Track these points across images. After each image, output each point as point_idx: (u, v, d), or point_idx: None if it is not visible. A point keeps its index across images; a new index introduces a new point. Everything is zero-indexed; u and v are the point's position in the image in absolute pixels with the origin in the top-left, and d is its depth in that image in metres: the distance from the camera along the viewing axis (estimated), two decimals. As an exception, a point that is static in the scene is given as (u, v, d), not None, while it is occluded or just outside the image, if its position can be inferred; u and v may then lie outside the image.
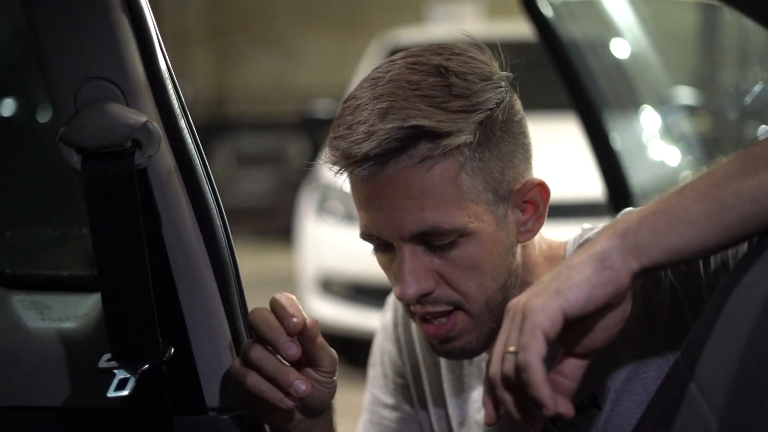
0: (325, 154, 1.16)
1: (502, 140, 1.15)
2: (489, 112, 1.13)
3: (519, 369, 0.91)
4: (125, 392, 1.00)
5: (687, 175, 1.00)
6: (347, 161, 1.12)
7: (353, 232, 5.68)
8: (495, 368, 0.94)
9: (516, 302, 0.96)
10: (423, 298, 1.16)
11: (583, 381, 0.97)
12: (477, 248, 1.14)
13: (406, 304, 1.19)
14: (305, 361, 1.12)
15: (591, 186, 2.41)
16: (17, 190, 1.61)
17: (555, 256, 1.25)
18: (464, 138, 1.11)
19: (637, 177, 2.37)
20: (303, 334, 1.09)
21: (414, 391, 1.43)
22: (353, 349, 5.13)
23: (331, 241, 4.97)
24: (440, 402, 1.37)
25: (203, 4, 10.76)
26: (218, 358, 1.11)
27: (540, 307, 0.91)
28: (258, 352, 1.08)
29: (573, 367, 0.96)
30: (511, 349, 0.92)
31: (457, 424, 1.34)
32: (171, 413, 1.06)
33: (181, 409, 1.10)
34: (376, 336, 1.50)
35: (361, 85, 1.16)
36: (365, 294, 4.76)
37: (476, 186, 1.13)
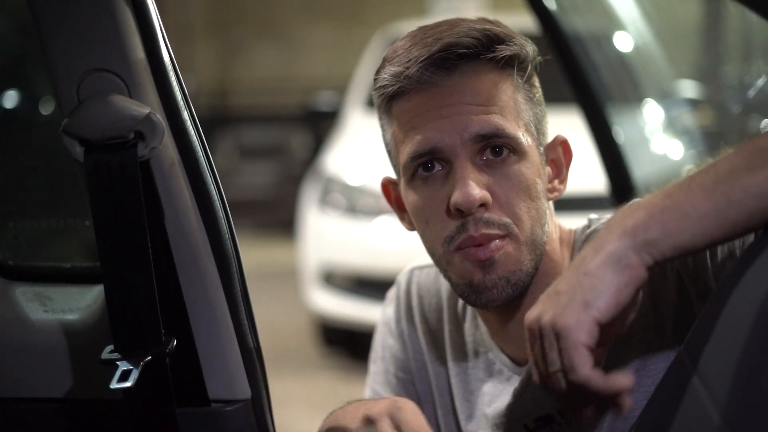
0: (382, 74, 1.21)
1: (539, 92, 1.24)
2: (530, 57, 1.22)
3: (579, 386, 0.92)
4: (128, 384, 1.00)
5: (690, 168, 1.00)
6: (413, 64, 1.16)
7: (355, 225, 5.68)
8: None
9: (538, 319, 0.96)
10: (479, 215, 1.16)
11: None
12: (527, 170, 1.18)
13: (450, 238, 1.18)
14: None
15: (594, 179, 2.40)
16: (20, 181, 1.61)
17: (566, 241, 1.28)
18: (528, 50, 1.20)
19: (639, 170, 2.37)
20: None
21: (419, 386, 1.42)
22: (355, 342, 5.14)
23: (334, 234, 4.97)
24: (447, 396, 1.37)
25: (206, -4, 10.76)
26: (221, 349, 1.11)
27: (575, 324, 0.92)
28: None
29: (597, 356, 0.97)
30: (557, 368, 0.94)
31: (465, 418, 1.33)
32: (174, 404, 1.06)
33: (184, 400, 1.10)
34: (376, 332, 1.50)
35: (406, 36, 1.22)
36: (367, 287, 4.76)
37: (528, 113, 1.21)
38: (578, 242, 1.26)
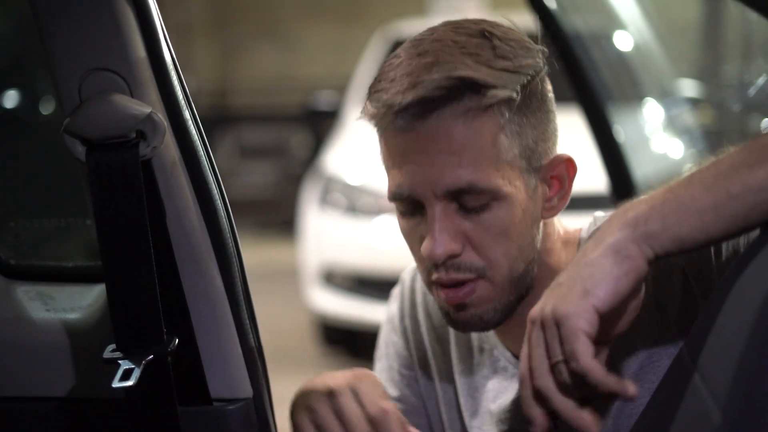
0: (364, 108, 1.17)
1: (539, 111, 1.17)
2: (530, 78, 1.14)
3: (579, 375, 0.92)
4: (130, 383, 1.00)
5: (690, 167, 1.01)
6: (389, 110, 1.12)
7: (356, 225, 5.69)
8: (542, 380, 0.95)
9: (540, 311, 0.97)
10: (449, 261, 1.15)
11: None
12: (508, 213, 1.14)
13: (428, 270, 1.18)
14: None
15: (594, 179, 2.40)
16: (22, 181, 1.61)
17: (570, 241, 1.26)
18: (508, 93, 1.11)
19: (640, 170, 2.37)
20: None
21: (422, 383, 1.42)
22: (356, 341, 5.14)
23: (334, 234, 4.98)
24: (450, 393, 1.37)
25: (206, -4, 10.76)
26: (222, 348, 1.11)
27: (574, 311, 0.93)
28: None
29: (600, 354, 0.98)
30: (559, 359, 0.94)
31: (469, 415, 1.33)
32: (176, 403, 1.06)
33: (186, 399, 1.10)
34: (381, 328, 1.50)
35: (402, 47, 1.17)
36: (368, 286, 4.76)
37: (513, 149, 1.14)
38: (584, 240, 1.25)
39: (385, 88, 1.13)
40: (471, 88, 1.10)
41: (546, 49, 1.20)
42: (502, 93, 1.11)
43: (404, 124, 1.12)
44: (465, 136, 1.11)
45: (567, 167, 1.20)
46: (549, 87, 1.21)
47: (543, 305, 0.98)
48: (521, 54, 1.15)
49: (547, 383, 0.96)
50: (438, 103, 1.10)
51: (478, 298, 1.17)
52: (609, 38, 3.42)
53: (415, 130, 1.12)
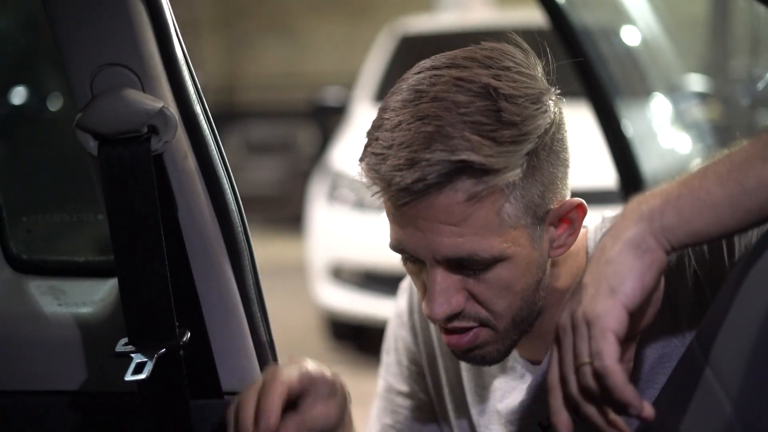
0: (362, 170, 1.10)
1: (547, 164, 1.10)
2: (538, 140, 1.07)
3: (598, 376, 0.91)
4: (143, 376, 1.00)
5: (702, 160, 1.01)
6: (387, 188, 1.07)
7: (364, 220, 5.67)
8: (572, 386, 0.94)
9: (570, 316, 0.96)
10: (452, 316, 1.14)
11: None
12: (511, 271, 1.11)
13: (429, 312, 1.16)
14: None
15: (603, 174, 2.40)
16: (33, 176, 1.62)
17: (578, 248, 1.21)
18: (511, 175, 1.05)
19: (648, 164, 2.37)
20: None
21: (430, 379, 1.42)
22: (364, 337, 5.14)
23: (342, 229, 4.98)
24: (458, 390, 1.37)
25: (212, -8, 10.76)
26: (234, 342, 1.11)
27: (603, 310, 0.92)
28: None
29: (627, 350, 0.98)
30: (585, 360, 0.93)
31: (477, 413, 1.33)
32: (188, 397, 1.07)
33: (197, 392, 1.10)
34: (389, 323, 1.49)
35: (402, 96, 1.10)
36: (376, 281, 4.76)
37: (517, 213, 1.09)
38: (592, 240, 1.23)
39: (383, 156, 1.07)
40: (471, 172, 1.04)
41: (556, 96, 1.13)
42: (504, 178, 1.05)
43: (403, 200, 1.07)
44: (466, 212, 1.06)
45: (577, 212, 1.15)
46: (563, 123, 1.14)
47: (571, 310, 0.96)
48: (530, 114, 1.07)
49: (573, 387, 0.94)
50: (436, 188, 1.05)
51: (482, 341, 1.16)
52: (617, 33, 3.42)
53: (415, 207, 1.07)
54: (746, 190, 0.92)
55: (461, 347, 1.16)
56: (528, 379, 1.26)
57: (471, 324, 1.14)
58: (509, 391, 1.29)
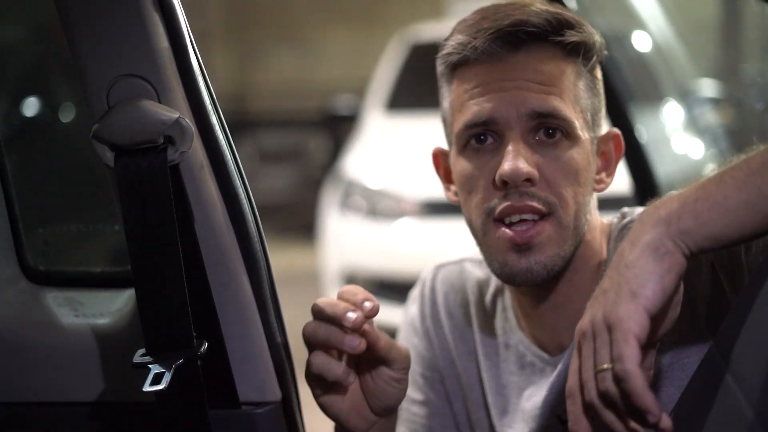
0: (449, 41, 1.23)
1: (600, 84, 1.26)
2: (600, 45, 1.24)
3: (618, 380, 0.90)
4: (161, 386, 1.00)
5: (713, 167, 1.00)
6: (481, 34, 1.18)
7: (376, 228, 5.66)
8: (592, 392, 0.93)
9: (591, 321, 0.95)
10: (524, 188, 1.17)
11: None
12: (578, 155, 1.19)
13: (491, 209, 1.19)
14: (376, 360, 1.12)
15: (617, 179, 2.39)
16: (50, 187, 1.62)
17: (605, 232, 1.29)
18: (595, 39, 1.22)
19: (662, 169, 2.36)
20: (366, 334, 1.09)
21: (448, 383, 1.42)
22: (377, 345, 5.13)
23: (355, 237, 4.98)
24: (478, 391, 1.37)
25: (224, 1, 10.78)
26: (251, 352, 1.11)
27: (625, 314, 0.92)
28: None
29: (647, 356, 0.97)
30: (606, 366, 0.92)
31: (498, 413, 1.33)
32: (206, 407, 1.06)
33: (215, 402, 1.10)
34: (399, 332, 1.49)
35: (473, 14, 1.24)
36: (389, 289, 4.75)
37: (586, 101, 1.22)
38: (614, 232, 1.27)
39: (474, 24, 1.21)
40: (565, 24, 1.19)
41: (603, 41, 1.27)
42: (589, 37, 1.21)
43: (494, 52, 1.18)
44: (552, 72, 1.19)
45: (615, 144, 1.28)
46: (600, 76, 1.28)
47: (592, 315, 0.96)
48: (589, 26, 1.24)
49: (592, 393, 0.93)
50: (532, 34, 1.17)
51: (545, 238, 1.18)
52: (630, 39, 3.41)
53: (503, 60, 1.18)
54: (764, 194, 0.92)
55: (525, 239, 1.18)
56: (547, 373, 1.26)
57: (541, 207, 1.18)
58: (530, 387, 1.29)
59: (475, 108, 1.19)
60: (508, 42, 1.18)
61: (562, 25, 1.19)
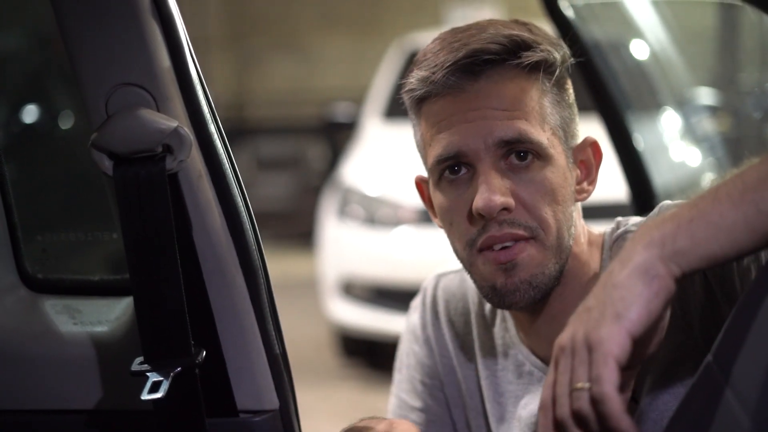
0: (411, 78, 1.22)
1: (568, 95, 1.25)
2: (563, 57, 1.23)
3: (595, 402, 0.89)
4: (159, 395, 1.00)
5: (712, 177, 1.00)
6: (439, 69, 1.17)
7: (375, 236, 5.68)
8: (563, 409, 0.92)
9: (571, 338, 0.94)
10: (502, 217, 1.17)
11: None
12: (551, 174, 1.19)
13: (473, 239, 1.19)
14: None
15: (614, 187, 2.40)
16: (48, 195, 1.62)
17: (595, 243, 1.28)
18: (554, 55, 1.21)
19: (659, 177, 2.36)
20: None
21: (448, 390, 1.43)
22: (375, 353, 5.14)
23: (353, 245, 4.98)
24: (477, 398, 1.38)
25: (222, 9, 10.80)
26: (249, 360, 1.11)
27: (606, 335, 0.90)
28: None
29: (626, 378, 0.95)
30: (579, 385, 0.90)
31: (496, 420, 1.33)
32: (204, 415, 1.07)
33: (213, 411, 1.10)
34: (401, 340, 1.50)
35: (438, 38, 1.23)
36: (387, 297, 4.76)
37: (554, 117, 1.21)
38: (607, 243, 1.27)
39: (432, 57, 1.20)
40: (522, 46, 1.18)
41: (568, 51, 1.26)
42: (549, 54, 1.20)
43: (454, 84, 1.17)
44: (515, 95, 1.18)
45: (593, 151, 1.27)
46: (570, 84, 1.27)
47: (573, 331, 0.94)
48: (553, 41, 1.24)
49: (564, 411, 0.92)
50: (490, 61, 1.17)
51: (528, 257, 1.18)
52: (627, 47, 3.42)
53: (465, 91, 1.18)
54: (762, 211, 0.90)
55: (508, 259, 1.18)
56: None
57: (521, 232, 1.18)
58: (527, 395, 1.29)
59: (444, 142, 1.19)
60: (467, 72, 1.18)
61: (519, 47, 1.18)
